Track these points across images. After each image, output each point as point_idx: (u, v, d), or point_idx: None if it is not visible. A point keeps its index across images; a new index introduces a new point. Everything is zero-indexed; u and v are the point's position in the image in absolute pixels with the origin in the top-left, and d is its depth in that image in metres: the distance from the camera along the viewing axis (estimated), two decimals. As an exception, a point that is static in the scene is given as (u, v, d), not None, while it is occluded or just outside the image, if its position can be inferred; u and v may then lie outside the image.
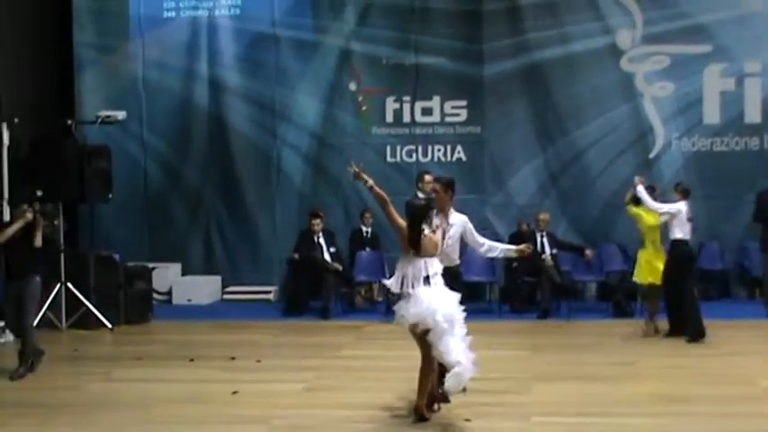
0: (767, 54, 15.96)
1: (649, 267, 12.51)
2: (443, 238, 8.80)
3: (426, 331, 8.25)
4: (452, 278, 8.92)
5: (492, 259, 14.87)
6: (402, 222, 8.52)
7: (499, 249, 9.54)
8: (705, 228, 15.05)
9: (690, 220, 12.32)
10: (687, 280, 12.27)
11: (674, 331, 12.28)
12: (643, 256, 12.64)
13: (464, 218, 9.29)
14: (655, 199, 12.45)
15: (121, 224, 16.65)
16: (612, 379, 10.09)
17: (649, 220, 12.44)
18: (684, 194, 12.45)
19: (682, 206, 12.30)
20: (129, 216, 16.82)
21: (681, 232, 12.28)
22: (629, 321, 13.78)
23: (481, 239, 9.41)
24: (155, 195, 17.12)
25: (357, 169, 8.94)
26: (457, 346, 8.20)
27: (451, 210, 9.26)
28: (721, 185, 15.56)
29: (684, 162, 16.05)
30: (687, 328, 12.11)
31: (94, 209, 14.92)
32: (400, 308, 8.40)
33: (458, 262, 9.32)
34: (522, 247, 9.36)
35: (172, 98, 17.16)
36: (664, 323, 12.54)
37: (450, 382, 8.12)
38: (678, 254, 12.26)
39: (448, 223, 9.06)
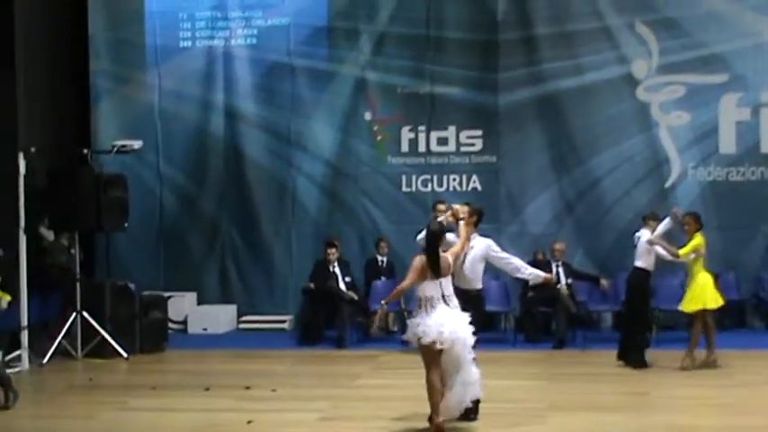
0: (783, 84, 15.95)
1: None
2: (463, 261, 9.36)
3: (440, 351, 8.59)
4: (471, 302, 9.27)
5: (506, 289, 15.00)
6: (415, 272, 8.81)
7: (528, 271, 10.00)
8: (721, 258, 14.97)
9: (650, 242, 12.39)
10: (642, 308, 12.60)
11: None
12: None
13: (488, 241, 9.79)
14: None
15: (137, 253, 16.69)
16: (627, 409, 10.05)
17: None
18: (644, 221, 12.72)
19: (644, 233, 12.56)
20: (144, 245, 16.86)
21: (640, 261, 12.51)
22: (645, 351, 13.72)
23: (508, 258, 9.89)
24: (170, 224, 17.16)
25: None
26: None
27: (475, 235, 9.65)
28: (737, 215, 15.50)
29: (700, 192, 16.00)
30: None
31: (110, 238, 14.98)
32: (417, 324, 8.68)
33: (479, 287, 9.68)
34: (549, 276, 9.73)
35: (188, 128, 17.23)
36: (700, 353, 12.43)
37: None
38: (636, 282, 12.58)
39: (469, 246, 9.48)
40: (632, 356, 12.39)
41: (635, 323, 12.64)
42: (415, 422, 9.34)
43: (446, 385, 8.80)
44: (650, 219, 12.70)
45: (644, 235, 12.51)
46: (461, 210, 9.60)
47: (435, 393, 8.66)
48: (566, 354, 14.01)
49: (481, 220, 9.83)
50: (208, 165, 17.19)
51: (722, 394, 10.80)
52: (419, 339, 8.67)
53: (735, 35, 15.97)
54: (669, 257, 12.34)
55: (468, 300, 9.23)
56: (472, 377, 8.87)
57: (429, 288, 8.74)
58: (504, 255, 9.91)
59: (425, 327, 8.60)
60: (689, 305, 12.26)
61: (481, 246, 9.69)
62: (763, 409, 9.90)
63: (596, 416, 9.74)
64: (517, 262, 9.99)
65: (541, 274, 10.18)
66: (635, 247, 12.63)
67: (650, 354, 12.74)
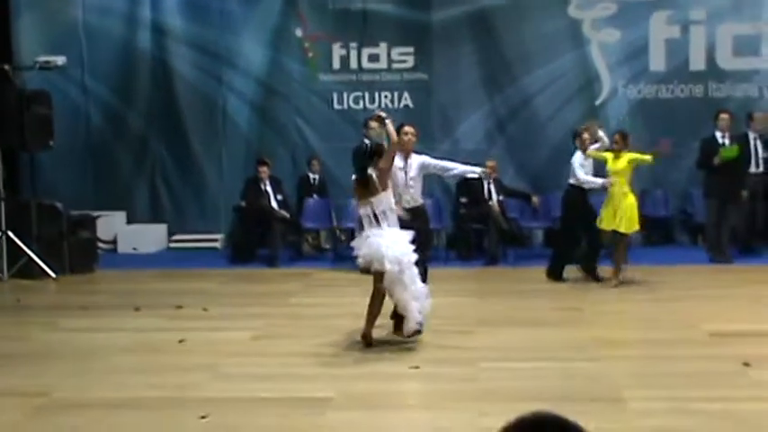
0: (712, 1, 16.02)
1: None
2: (405, 180, 9.75)
3: (379, 272, 8.82)
4: (418, 216, 9.77)
5: (439, 206, 15.04)
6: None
7: (461, 168, 10.53)
8: (649, 175, 15.14)
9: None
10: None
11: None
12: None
13: (422, 157, 10.09)
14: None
15: (64, 172, 16.42)
16: (558, 324, 10.17)
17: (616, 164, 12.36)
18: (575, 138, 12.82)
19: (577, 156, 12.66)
20: (71, 163, 16.58)
21: (572, 178, 12.65)
22: (574, 268, 13.88)
23: (445, 164, 10.38)
24: (98, 142, 16.88)
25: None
26: (406, 294, 8.90)
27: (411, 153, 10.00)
28: (666, 132, 15.67)
29: (630, 109, 16.15)
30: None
31: (35, 156, 14.68)
32: (355, 248, 9.13)
33: (421, 201, 10.06)
34: (482, 170, 10.18)
35: (114, 43, 16.87)
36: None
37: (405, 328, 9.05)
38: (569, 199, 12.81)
39: (408, 165, 9.88)
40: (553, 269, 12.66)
41: (565, 240, 12.81)
42: (349, 338, 9.39)
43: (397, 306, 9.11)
44: (576, 135, 12.82)
45: (576, 153, 12.57)
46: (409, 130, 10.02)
47: (374, 305, 9.05)
48: (497, 271, 14.13)
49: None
50: (135, 81, 16.89)
51: (651, 309, 10.98)
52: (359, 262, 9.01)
53: (666, -48, 16.00)
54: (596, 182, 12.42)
55: (417, 215, 9.73)
56: (419, 292, 9.03)
57: (361, 208, 9.04)
58: (438, 161, 10.35)
59: (357, 252, 8.98)
60: (629, 225, 12.29)
61: (418, 161, 9.95)
62: (691, 322, 10.06)
63: (528, 331, 9.84)
64: (449, 163, 10.46)
65: (476, 169, 10.67)
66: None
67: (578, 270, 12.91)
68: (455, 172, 10.60)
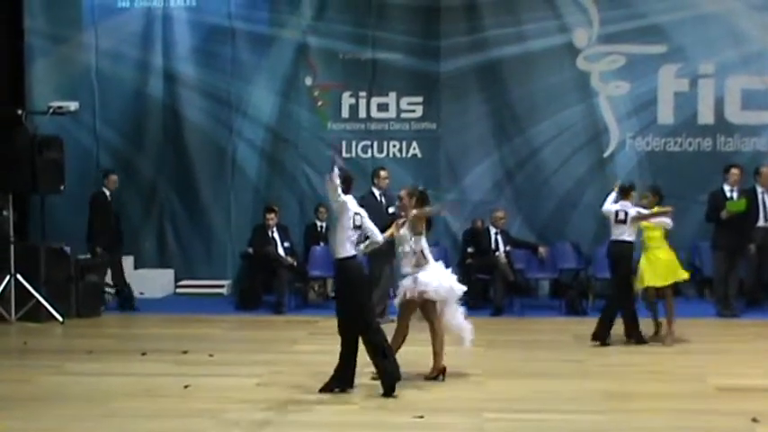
0: (721, 55, 16.11)
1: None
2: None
3: (427, 301, 9.72)
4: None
5: (445, 255, 15.03)
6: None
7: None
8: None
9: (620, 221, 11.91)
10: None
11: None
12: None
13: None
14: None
15: (73, 216, 16.39)
16: (564, 376, 10.13)
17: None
18: (624, 194, 12.17)
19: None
20: (80, 208, 16.55)
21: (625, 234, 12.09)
22: (581, 319, 13.86)
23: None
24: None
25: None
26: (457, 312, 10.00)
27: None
28: (674, 185, 15.60)
29: (638, 161, 16.18)
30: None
31: (46, 200, 14.73)
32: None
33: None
34: (391, 230, 9.90)
35: (125, 89, 17.01)
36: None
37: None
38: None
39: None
40: (631, 332, 11.90)
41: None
42: (353, 387, 9.38)
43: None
44: (629, 190, 12.15)
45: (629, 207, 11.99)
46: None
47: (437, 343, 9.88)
48: (503, 321, 14.10)
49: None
50: (146, 127, 17.01)
51: (658, 362, 10.93)
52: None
53: (675, 6, 16.14)
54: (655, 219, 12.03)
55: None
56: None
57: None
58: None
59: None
60: (667, 278, 12.05)
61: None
62: (698, 376, 10.02)
63: (534, 382, 9.81)
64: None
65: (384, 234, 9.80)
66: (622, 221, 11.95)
67: (585, 322, 12.85)
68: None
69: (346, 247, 9.14)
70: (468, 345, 10.04)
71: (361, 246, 9.42)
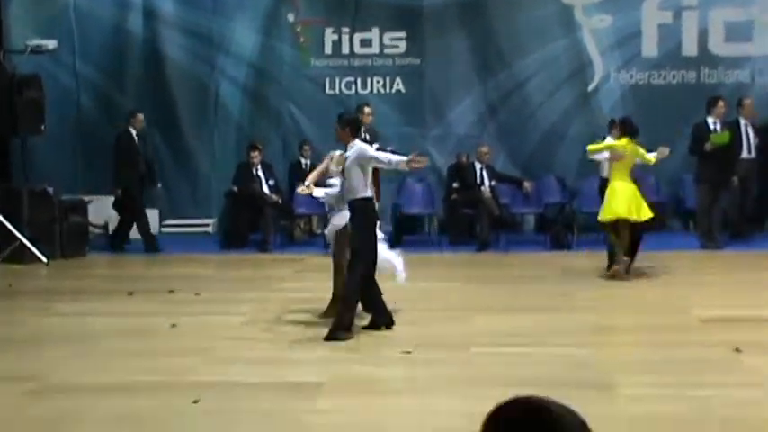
0: (704, -14, 16.04)
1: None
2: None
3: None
4: (356, 211, 9.17)
5: (430, 192, 15.04)
6: None
7: (396, 159, 9.30)
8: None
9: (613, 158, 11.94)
10: None
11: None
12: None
13: (357, 145, 9.27)
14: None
15: (55, 156, 16.32)
16: (549, 310, 10.18)
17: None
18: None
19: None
20: (62, 148, 16.50)
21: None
22: (566, 253, 13.93)
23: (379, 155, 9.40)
24: (89, 127, 16.78)
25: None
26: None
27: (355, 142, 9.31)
28: (658, 118, 15.62)
29: (622, 95, 16.14)
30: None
31: (26, 141, 14.63)
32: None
33: (360, 195, 9.15)
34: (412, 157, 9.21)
35: (104, 27, 16.76)
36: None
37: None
38: None
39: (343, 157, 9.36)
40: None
41: None
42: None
43: None
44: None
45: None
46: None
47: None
48: (489, 256, 14.16)
49: (356, 128, 9.42)
50: (126, 65, 16.81)
51: (642, 294, 11.01)
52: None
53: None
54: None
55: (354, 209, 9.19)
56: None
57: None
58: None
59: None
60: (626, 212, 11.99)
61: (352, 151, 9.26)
62: (682, 308, 10.10)
63: (519, 316, 9.87)
64: (388, 156, 9.52)
65: (403, 158, 9.29)
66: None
67: (571, 256, 12.91)
68: (392, 167, 9.54)
69: (367, 189, 9.08)
70: (403, 281, 9.70)
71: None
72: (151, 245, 14.72)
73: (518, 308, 10.35)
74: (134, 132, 14.85)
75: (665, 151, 12.23)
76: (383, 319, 9.28)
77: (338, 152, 9.55)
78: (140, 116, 14.96)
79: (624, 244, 11.80)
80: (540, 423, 2.21)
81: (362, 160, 9.07)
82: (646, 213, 11.77)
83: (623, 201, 11.69)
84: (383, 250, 9.46)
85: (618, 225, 11.80)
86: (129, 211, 14.90)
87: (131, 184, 14.73)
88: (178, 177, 16.78)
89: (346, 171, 9.13)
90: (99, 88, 16.83)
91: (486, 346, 8.66)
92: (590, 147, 12.27)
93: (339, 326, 8.93)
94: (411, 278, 9.86)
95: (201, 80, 16.69)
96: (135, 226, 14.91)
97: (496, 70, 16.32)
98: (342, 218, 9.45)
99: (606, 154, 12.07)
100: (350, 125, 9.37)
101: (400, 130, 15.68)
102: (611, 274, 11.84)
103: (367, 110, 13.07)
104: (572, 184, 15.46)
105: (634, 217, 11.70)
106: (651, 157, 12.04)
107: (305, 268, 13.15)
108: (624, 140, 11.90)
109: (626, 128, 12.05)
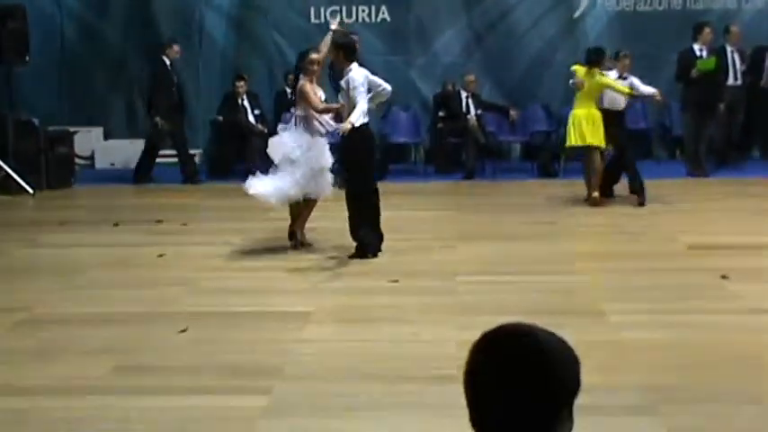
0: None
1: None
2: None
3: None
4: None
5: (416, 120, 14.98)
6: None
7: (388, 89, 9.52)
8: (628, 88, 15.09)
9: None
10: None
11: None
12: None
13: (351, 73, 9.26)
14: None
15: (40, 87, 16.17)
16: (536, 238, 10.22)
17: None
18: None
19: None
20: (47, 79, 16.34)
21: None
22: (553, 181, 13.94)
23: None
24: (73, 57, 16.63)
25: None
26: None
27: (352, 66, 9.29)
28: (645, 45, 15.53)
29: (608, 22, 16.04)
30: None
31: (11, 72, 14.49)
32: None
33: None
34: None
35: (87, -46, 16.56)
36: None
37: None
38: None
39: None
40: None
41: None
42: (327, 253, 9.46)
43: None
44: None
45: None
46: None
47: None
48: (475, 184, 14.16)
49: (350, 51, 9.34)
50: (110, -5, 16.62)
51: (630, 222, 11.05)
52: None
53: None
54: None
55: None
56: None
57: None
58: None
59: None
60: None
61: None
62: (670, 235, 10.16)
63: (506, 245, 9.91)
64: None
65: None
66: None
67: (557, 185, 12.91)
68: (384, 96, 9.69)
69: (364, 115, 9.02)
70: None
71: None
72: (192, 176, 14.70)
73: (504, 236, 10.37)
74: (168, 62, 14.70)
75: (658, 97, 12.17)
76: (371, 248, 9.31)
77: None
78: (176, 47, 14.81)
79: (594, 167, 11.91)
80: (527, 348, 2.22)
81: (351, 91, 9.03)
82: (599, 140, 11.83)
83: (584, 129, 11.77)
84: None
85: (585, 152, 11.92)
86: (158, 141, 14.81)
87: (169, 113, 14.60)
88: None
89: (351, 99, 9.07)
90: (83, 18, 16.64)
91: (472, 274, 8.68)
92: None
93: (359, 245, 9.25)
94: (397, 206, 9.88)
95: (186, 9, 16.49)
96: (177, 154, 14.91)
97: (482, -2, 16.18)
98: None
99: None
100: (343, 48, 9.28)
101: (385, 59, 15.56)
102: (592, 201, 11.89)
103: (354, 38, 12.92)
104: (558, 111, 15.37)
105: (592, 142, 11.78)
106: (623, 86, 11.96)
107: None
108: (583, 69, 11.84)
109: (588, 56, 11.99)
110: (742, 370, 6.18)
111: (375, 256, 9.32)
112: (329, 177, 9.60)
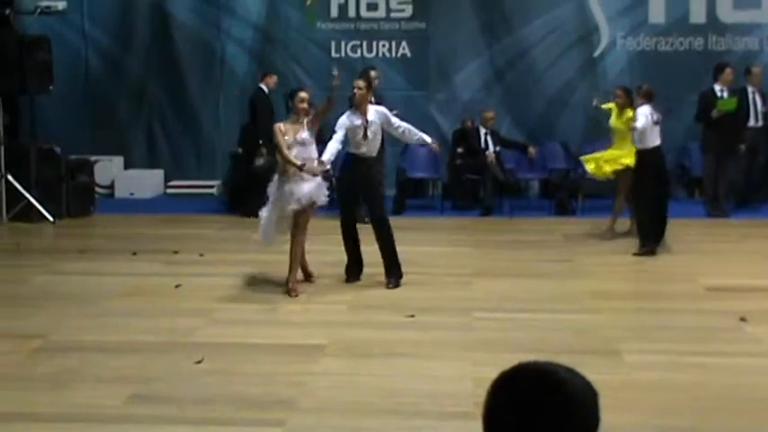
0: (713, -48, 15.92)
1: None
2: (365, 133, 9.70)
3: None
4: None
5: (434, 156, 15.01)
6: None
7: (417, 136, 10.03)
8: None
9: (656, 123, 11.68)
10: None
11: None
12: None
13: (381, 108, 10.03)
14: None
15: (63, 117, 16.30)
16: (553, 276, 10.20)
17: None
18: (648, 98, 11.82)
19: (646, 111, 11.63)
20: (70, 108, 16.48)
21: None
22: (570, 219, 13.92)
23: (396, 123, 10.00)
24: (96, 87, 16.77)
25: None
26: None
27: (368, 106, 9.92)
28: (665, 85, 15.52)
29: (629, 61, 16.06)
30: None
31: (35, 101, 14.63)
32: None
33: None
34: (435, 145, 10.29)
35: (113, -12, 16.73)
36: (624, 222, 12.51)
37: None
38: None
39: (367, 120, 9.74)
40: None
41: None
42: (344, 286, 9.47)
43: None
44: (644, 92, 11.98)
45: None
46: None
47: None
48: (493, 221, 14.14)
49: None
50: (134, 27, 16.74)
51: (647, 262, 11.00)
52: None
53: None
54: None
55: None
56: None
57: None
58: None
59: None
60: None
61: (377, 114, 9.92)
62: (688, 276, 10.12)
63: (522, 282, 9.90)
64: (406, 126, 10.06)
65: (428, 139, 10.10)
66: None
67: (574, 222, 12.90)
68: (407, 138, 10.22)
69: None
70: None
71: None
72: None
73: (521, 273, 10.36)
74: (267, 90, 14.77)
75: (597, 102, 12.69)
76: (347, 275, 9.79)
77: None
78: (275, 77, 14.88)
79: (618, 199, 12.29)
80: (548, 386, 2.21)
81: (385, 125, 9.73)
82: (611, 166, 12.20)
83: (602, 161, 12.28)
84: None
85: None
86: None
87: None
88: (183, 139, 16.78)
89: (374, 131, 9.70)
90: (107, 49, 16.78)
91: (488, 311, 8.69)
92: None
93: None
94: (414, 242, 9.91)
95: (208, 42, 16.61)
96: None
97: (502, 35, 16.21)
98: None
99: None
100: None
101: (405, 94, 15.63)
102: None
103: (373, 73, 13.03)
104: (577, 149, 15.39)
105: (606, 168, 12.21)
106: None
107: (308, 231, 13.11)
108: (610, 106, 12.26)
109: (630, 96, 12.17)
110: (759, 413, 6.16)
111: (348, 281, 9.72)
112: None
